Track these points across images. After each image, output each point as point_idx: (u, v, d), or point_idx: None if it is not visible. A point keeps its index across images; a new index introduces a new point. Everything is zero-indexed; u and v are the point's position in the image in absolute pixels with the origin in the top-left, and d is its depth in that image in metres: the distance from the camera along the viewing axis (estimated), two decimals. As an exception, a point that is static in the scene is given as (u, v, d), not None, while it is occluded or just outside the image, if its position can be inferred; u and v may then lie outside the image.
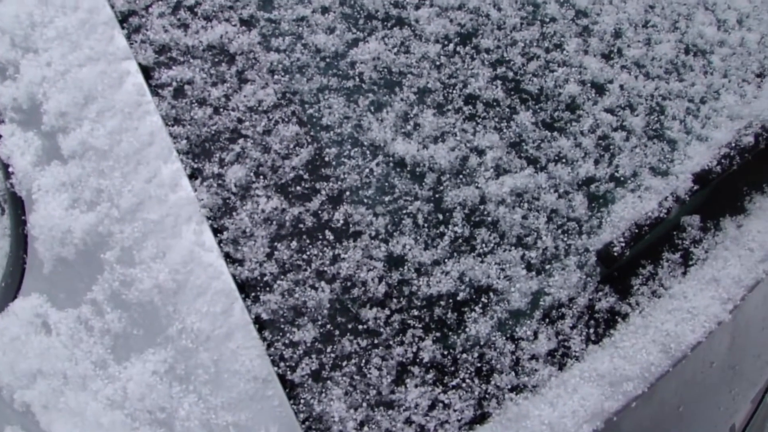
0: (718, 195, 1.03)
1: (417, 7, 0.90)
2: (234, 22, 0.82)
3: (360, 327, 0.72)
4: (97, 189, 0.75)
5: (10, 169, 0.83)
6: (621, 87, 0.99)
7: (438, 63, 0.87)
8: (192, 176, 0.74)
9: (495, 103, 0.87)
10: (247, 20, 0.83)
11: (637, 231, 0.87)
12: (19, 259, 0.85)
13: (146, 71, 0.78)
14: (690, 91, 1.07)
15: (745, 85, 1.15)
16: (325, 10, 0.85)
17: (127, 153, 0.75)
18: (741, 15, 1.24)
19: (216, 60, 0.80)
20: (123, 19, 0.81)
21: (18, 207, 0.83)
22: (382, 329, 0.72)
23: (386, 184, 0.78)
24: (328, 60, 0.82)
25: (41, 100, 0.79)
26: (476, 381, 0.74)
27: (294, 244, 0.73)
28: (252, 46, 0.81)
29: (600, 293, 0.84)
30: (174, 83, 0.78)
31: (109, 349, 0.76)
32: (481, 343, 0.76)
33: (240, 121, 0.77)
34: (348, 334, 0.72)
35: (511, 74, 0.90)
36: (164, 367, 0.72)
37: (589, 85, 0.96)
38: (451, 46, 0.89)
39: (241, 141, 0.76)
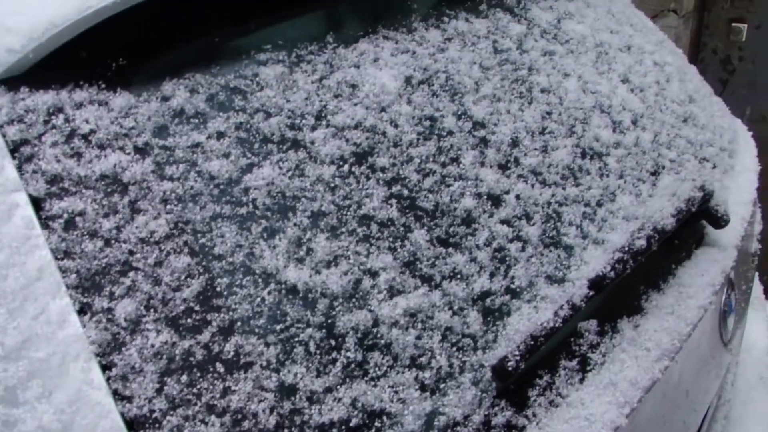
0: (615, 297, 1.10)
1: (313, 128, 0.95)
2: (128, 150, 0.86)
3: (250, 461, 0.75)
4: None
5: None
6: (517, 197, 1.05)
7: (332, 185, 0.92)
8: (81, 311, 0.77)
9: (389, 223, 0.92)
10: (141, 148, 0.86)
11: (532, 342, 0.92)
12: None
13: (36, 203, 0.81)
14: (586, 195, 1.14)
15: (640, 185, 1.23)
16: (220, 135, 0.90)
17: (13, 289, 0.77)
18: (635, 115, 1.33)
19: (108, 190, 0.83)
20: (14, 149, 0.83)
21: None
22: (272, 462, 0.75)
23: (278, 312, 0.82)
24: (221, 187, 0.87)
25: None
26: None
27: (184, 377, 0.76)
28: (145, 175, 0.84)
29: (496, 408, 0.89)
30: (65, 215, 0.81)
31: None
32: (374, 469, 0.79)
33: (131, 252, 0.80)
34: (238, 468, 0.74)
35: (406, 192, 0.96)
36: None
37: (485, 197, 1.02)
38: (346, 167, 0.94)
39: (131, 273, 0.79)
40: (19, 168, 0.82)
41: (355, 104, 1.00)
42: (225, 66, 0.97)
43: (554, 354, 0.97)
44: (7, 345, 0.76)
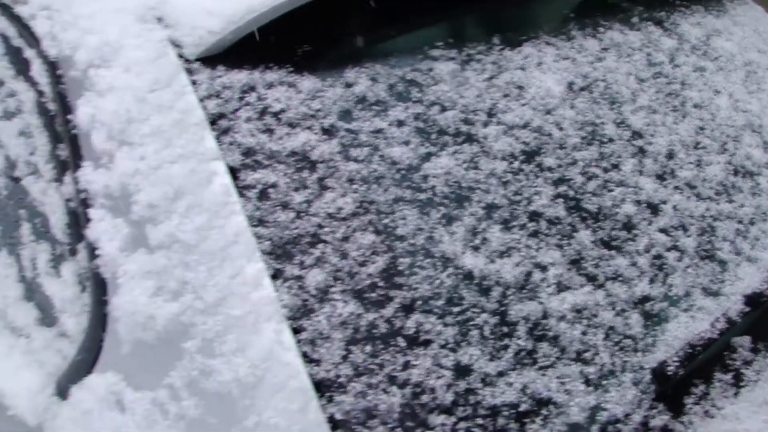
0: None
1: (485, 125, 0.99)
2: (316, 131, 0.92)
3: (427, 432, 0.79)
4: (182, 280, 0.83)
5: (97, 252, 0.91)
6: (674, 207, 1.07)
7: (504, 180, 0.96)
8: (274, 276, 0.82)
9: (556, 221, 0.96)
10: (328, 129, 0.92)
11: (690, 350, 0.94)
12: (98, 337, 0.92)
13: (233, 172, 0.87)
14: (739, 212, 1.16)
15: (792, 207, 1.23)
16: (400, 123, 0.95)
17: (213, 249, 0.83)
18: (786, 138, 1.34)
19: (299, 166, 0.89)
20: (213, 121, 0.90)
21: (101, 288, 0.91)
22: (447, 436, 0.79)
23: (455, 295, 0.86)
24: (402, 172, 0.91)
25: (132, 191, 0.88)
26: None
27: (368, 348, 0.81)
28: (332, 155, 0.90)
29: (654, 411, 0.91)
30: (259, 186, 0.87)
31: (181, 434, 0.83)
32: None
33: (320, 226, 0.85)
34: (415, 439, 0.79)
35: (571, 193, 0.99)
36: (236, 459, 0.79)
37: (644, 205, 1.05)
38: (516, 164, 0.98)
39: (320, 246, 0.84)
40: (217, 139, 0.89)
41: (523, 105, 1.04)
42: (401, 59, 1.03)
43: (709, 365, 0.98)
44: (206, 300, 0.82)
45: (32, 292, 1.15)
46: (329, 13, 1.01)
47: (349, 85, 0.97)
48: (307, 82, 0.95)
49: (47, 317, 1.11)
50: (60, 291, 1.04)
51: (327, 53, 1.00)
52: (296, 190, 0.87)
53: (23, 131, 1.14)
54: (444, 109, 0.99)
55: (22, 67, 1.14)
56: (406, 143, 0.94)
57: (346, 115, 0.94)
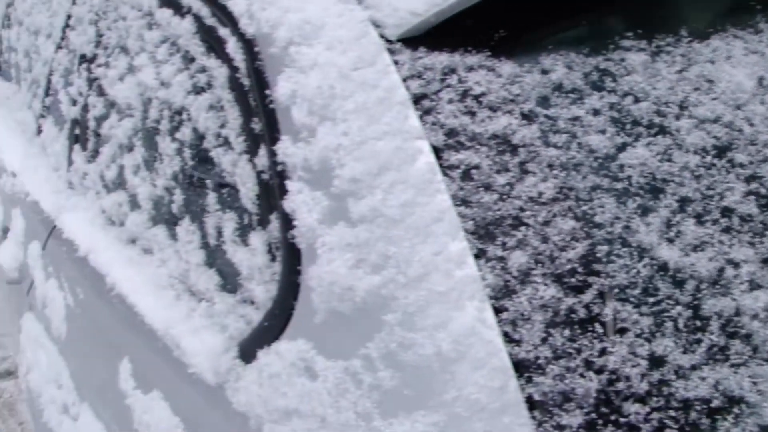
0: None
1: (677, 117, 1.00)
2: (516, 115, 0.94)
3: (621, 420, 0.81)
4: (384, 254, 0.87)
5: (294, 222, 0.96)
6: None
7: (697, 174, 0.96)
8: (477, 256, 0.85)
9: (749, 218, 0.96)
10: (527, 114, 0.94)
11: None
12: (288, 305, 0.98)
13: (437, 152, 0.91)
14: None
15: None
16: (596, 112, 0.96)
17: (417, 225, 0.87)
18: None
19: (500, 149, 0.91)
20: (416, 100, 0.94)
21: (295, 258, 0.97)
22: (641, 425, 0.81)
23: (650, 285, 0.87)
24: (600, 161, 0.93)
25: (334, 165, 0.93)
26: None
27: (566, 332, 0.83)
28: (533, 140, 0.92)
29: None
30: (462, 166, 0.90)
31: (376, 403, 0.87)
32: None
33: (522, 209, 0.88)
34: (610, 425, 0.81)
35: (763, 191, 0.99)
36: (434, 430, 0.82)
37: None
38: (708, 158, 0.98)
39: (522, 228, 0.87)
40: (421, 118, 0.92)
41: (713, 99, 1.04)
42: (594, 48, 1.04)
43: None
44: (409, 274, 0.86)
45: (215, 258, 1.21)
46: (526, 1, 1.03)
47: (545, 72, 0.99)
48: (506, 67, 0.98)
49: (230, 283, 1.17)
50: (247, 259, 1.09)
51: (522, 39, 1.02)
52: (498, 172, 0.90)
53: (213, 105, 1.20)
54: (637, 100, 0.99)
55: (215, 45, 1.20)
56: (603, 132, 0.95)
57: (544, 101, 0.96)
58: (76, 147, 1.90)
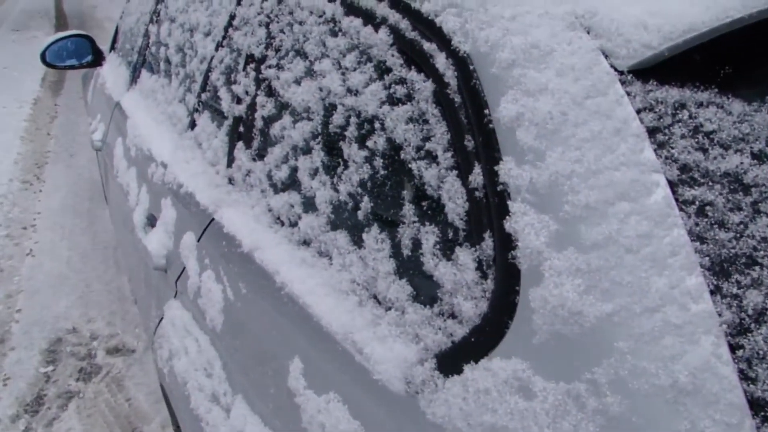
0: None
1: None
2: (746, 154, 0.98)
3: None
4: (618, 282, 0.92)
5: (516, 243, 1.02)
6: None
7: None
8: (712, 292, 0.89)
9: None
10: (757, 155, 0.98)
11: None
12: (502, 323, 1.03)
13: (672, 186, 0.95)
14: None
15: None
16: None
17: (653, 257, 0.91)
18: None
19: (732, 187, 0.95)
20: (650, 133, 0.98)
21: (514, 278, 1.02)
22: None
23: None
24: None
25: (566, 191, 0.98)
26: None
27: (803, 376, 0.86)
28: (764, 181, 0.96)
29: None
30: (697, 202, 0.94)
31: (599, 427, 0.92)
32: None
33: (755, 249, 0.92)
34: None
35: None
36: (665, 459, 0.87)
37: None
38: None
39: (757, 268, 0.91)
40: (656, 152, 0.97)
41: None
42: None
43: None
44: (644, 304, 0.90)
45: (407, 269, 1.28)
46: (756, 38, 1.06)
47: (774, 112, 1.02)
48: (736, 105, 1.01)
49: (424, 295, 1.23)
50: (451, 273, 1.15)
51: (749, 76, 1.06)
52: (731, 210, 0.94)
53: (413, 118, 1.27)
54: None
55: (417, 59, 1.26)
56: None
57: (773, 142, 0.99)
58: (239, 144, 1.99)
